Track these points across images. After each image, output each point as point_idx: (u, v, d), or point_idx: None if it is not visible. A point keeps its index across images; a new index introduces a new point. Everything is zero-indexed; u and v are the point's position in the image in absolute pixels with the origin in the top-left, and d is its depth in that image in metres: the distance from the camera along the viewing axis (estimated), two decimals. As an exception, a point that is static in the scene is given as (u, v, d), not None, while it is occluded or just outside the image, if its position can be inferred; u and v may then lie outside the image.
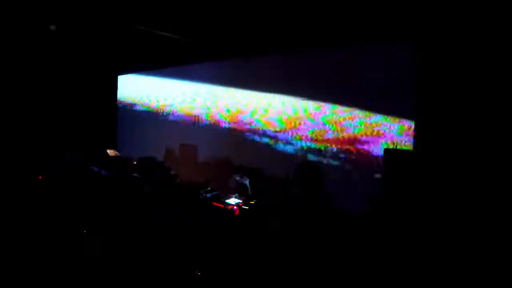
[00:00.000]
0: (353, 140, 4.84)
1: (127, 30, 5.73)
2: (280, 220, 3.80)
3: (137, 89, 8.53)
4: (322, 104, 5.16)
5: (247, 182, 4.57)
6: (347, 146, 4.90)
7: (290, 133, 5.52)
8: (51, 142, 7.12)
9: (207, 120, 6.82)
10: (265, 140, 5.82)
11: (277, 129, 5.68)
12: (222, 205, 4.25)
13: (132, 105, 8.62)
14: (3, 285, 3.25)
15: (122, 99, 8.88)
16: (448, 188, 3.65)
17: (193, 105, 7.12)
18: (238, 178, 4.67)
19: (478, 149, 3.59)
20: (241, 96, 6.23)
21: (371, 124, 4.68)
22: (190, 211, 4.45)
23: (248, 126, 6.09)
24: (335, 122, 5.02)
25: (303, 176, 4.46)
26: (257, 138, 5.94)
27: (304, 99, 5.32)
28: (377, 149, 4.60)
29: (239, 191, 4.63)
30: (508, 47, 3.44)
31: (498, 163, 3.47)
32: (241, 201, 4.33)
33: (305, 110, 5.35)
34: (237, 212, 4.13)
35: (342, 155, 4.93)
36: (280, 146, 5.63)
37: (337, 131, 5.00)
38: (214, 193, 4.59)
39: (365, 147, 4.74)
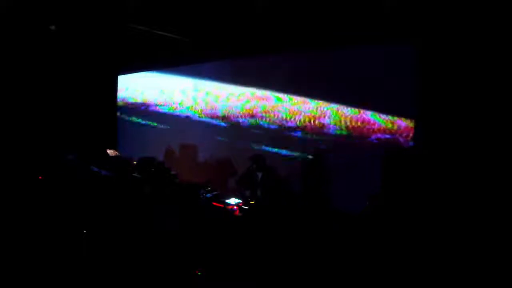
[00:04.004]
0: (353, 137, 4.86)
1: (127, 30, 5.73)
2: (280, 220, 3.81)
3: (136, 87, 8.58)
4: (322, 102, 5.17)
5: (259, 176, 4.32)
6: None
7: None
8: (51, 142, 7.12)
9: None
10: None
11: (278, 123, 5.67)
12: (222, 205, 4.25)
13: (132, 105, 8.64)
14: (3, 285, 3.25)
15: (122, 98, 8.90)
16: (447, 187, 3.65)
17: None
18: (254, 166, 4.25)
19: (478, 149, 3.60)
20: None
21: (371, 123, 4.68)
22: (190, 211, 4.45)
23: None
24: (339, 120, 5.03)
25: (307, 176, 4.47)
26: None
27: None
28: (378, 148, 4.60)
29: (247, 183, 4.36)
30: (507, 48, 3.45)
31: (497, 162, 3.47)
32: (241, 201, 4.32)
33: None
34: (237, 212, 4.13)
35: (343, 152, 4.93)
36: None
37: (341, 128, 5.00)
38: (214, 193, 4.58)
39: (365, 145, 4.74)
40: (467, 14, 3.66)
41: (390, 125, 4.53)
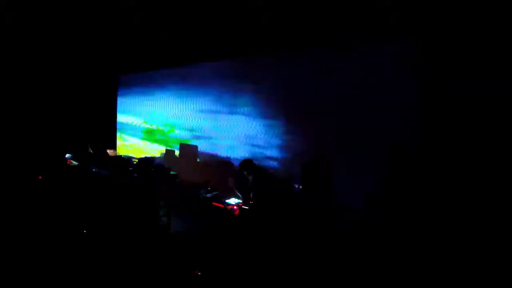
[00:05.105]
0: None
1: (127, 31, 5.73)
2: (280, 219, 3.80)
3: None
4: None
5: (250, 180, 4.37)
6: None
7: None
8: (51, 142, 7.12)
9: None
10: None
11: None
12: (222, 205, 4.25)
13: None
14: (3, 285, 3.25)
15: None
16: (448, 186, 3.65)
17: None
18: (245, 173, 4.37)
19: (479, 149, 3.60)
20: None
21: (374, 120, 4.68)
22: (191, 211, 4.45)
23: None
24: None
25: (310, 176, 4.43)
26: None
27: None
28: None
29: (240, 187, 4.42)
30: (509, 45, 3.45)
31: (499, 163, 3.47)
32: (241, 201, 4.32)
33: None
34: (237, 212, 4.13)
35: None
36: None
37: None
38: (214, 193, 4.57)
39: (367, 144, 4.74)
40: (468, 12, 3.67)
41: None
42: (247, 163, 4.41)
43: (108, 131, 8.73)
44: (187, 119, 7.31)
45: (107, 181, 5.12)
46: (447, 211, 3.53)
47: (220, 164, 6.38)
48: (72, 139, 7.37)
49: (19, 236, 4.03)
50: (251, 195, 4.37)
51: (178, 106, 7.51)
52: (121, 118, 9.04)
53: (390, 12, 4.01)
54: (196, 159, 6.75)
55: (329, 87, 5.13)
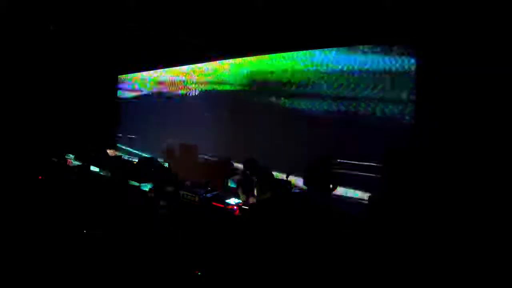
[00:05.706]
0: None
1: (127, 30, 5.73)
2: (280, 220, 3.80)
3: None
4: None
5: (254, 180, 4.34)
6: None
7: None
8: (51, 142, 7.12)
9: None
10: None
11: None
12: (222, 205, 4.24)
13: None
14: (3, 285, 3.25)
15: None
16: (447, 186, 3.66)
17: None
18: (247, 172, 4.33)
19: (477, 149, 3.60)
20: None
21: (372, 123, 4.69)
22: (190, 210, 4.44)
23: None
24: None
25: (315, 176, 4.43)
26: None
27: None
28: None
29: (243, 186, 4.38)
30: (508, 51, 3.45)
31: (496, 163, 3.47)
32: (241, 201, 4.31)
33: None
34: (237, 212, 4.13)
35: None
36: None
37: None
38: (214, 193, 4.56)
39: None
40: (467, 15, 3.66)
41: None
42: (251, 163, 4.37)
43: (108, 130, 8.72)
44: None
45: (106, 180, 5.12)
46: (447, 212, 3.53)
47: (220, 164, 6.38)
48: (72, 138, 7.37)
49: (19, 236, 4.03)
50: (255, 195, 4.33)
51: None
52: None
53: (390, 13, 4.01)
54: (197, 159, 6.75)
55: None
